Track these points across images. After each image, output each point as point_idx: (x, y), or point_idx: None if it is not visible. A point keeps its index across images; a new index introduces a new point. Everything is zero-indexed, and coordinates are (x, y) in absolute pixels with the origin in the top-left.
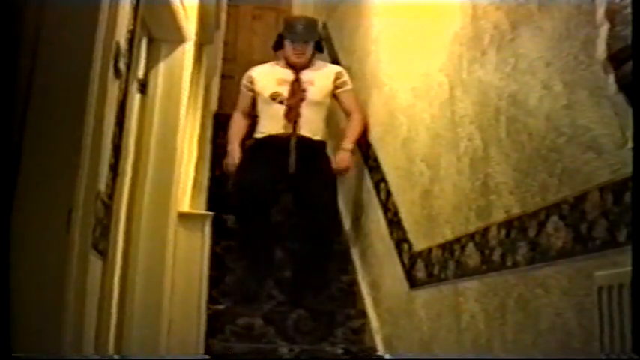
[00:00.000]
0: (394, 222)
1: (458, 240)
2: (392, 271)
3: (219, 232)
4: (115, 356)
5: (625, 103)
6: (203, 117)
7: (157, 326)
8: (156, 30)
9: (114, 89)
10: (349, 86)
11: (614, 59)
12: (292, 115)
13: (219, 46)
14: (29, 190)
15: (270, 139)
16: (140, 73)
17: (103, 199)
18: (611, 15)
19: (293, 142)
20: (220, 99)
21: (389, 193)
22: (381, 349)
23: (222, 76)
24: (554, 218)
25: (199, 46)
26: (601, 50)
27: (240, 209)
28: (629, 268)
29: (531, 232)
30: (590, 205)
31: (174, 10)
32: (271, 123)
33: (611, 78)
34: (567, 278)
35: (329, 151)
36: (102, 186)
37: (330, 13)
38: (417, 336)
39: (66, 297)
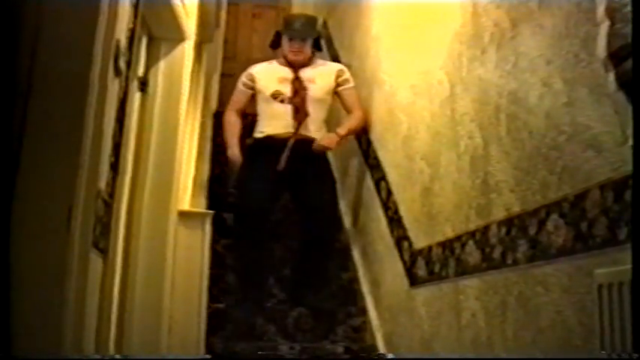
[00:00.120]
0: (394, 220)
1: (458, 238)
2: (392, 269)
3: (219, 231)
4: (117, 356)
5: (625, 100)
6: (203, 115)
7: (157, 324)
8: (156, 28)
9: (114, 87)
10: (351, 84)
11: (615, 57)
12: (301, 114)
13: (219, 45)
14: (29, 189)
15: (270, 140)
16: (140, 72)
17: (103, 197)
18: (611, 12)
19: (291, 142)
20: (220, 97)
21: (389, 191)
22: (381, 348)
23: (222, 75)
24: (555, 216)
25: (199, 45)
26: (601, 48)
27: (241, 223)
28: (629, 266)
29: (532, 230)
30: (590, 203)
31: (175, 9)
32: (273, 122)
33: (612, 76)
34: (568, 276)
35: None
36: (102, 184)
37: (330, 11)
38: (417, 334)
39: (66, 295)
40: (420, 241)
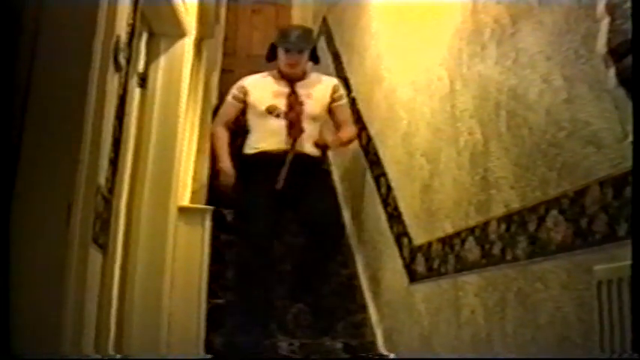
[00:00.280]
0: (394, 216)
1: (458, 234)
2: (392, 266)
3: (219, 226)
4: (118, 356)
5: (625, 97)
6: (203, 111)
7: (157, 320)
8: (156, 24)
9: (114, 83)
10: (344, 100)
11: (615, 53)
12: (296, 130)
13: (219, 41)
14: (29, 185)
15: (265, 156)
16: (140, 68)
17: (103, 193)
18: (611, 9)
19: (289, 158)
20: (220, 93)
21: (389, 188)
22: (381, 344)
23: (222, 71)
24: (554, 212)
25: (199, 41)
26: (601, 44)
27: (244, 250)
28: (628, 263)
29: (531, 227)
30: (590, 200)
31: (174, 5)
32: (268, 138)
33: (612, 72)
34: (567, 272)
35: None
36: (102, 180)
37: (331, 7)
38: (416, 330)
39: (66, 291)
40: (419, 238)
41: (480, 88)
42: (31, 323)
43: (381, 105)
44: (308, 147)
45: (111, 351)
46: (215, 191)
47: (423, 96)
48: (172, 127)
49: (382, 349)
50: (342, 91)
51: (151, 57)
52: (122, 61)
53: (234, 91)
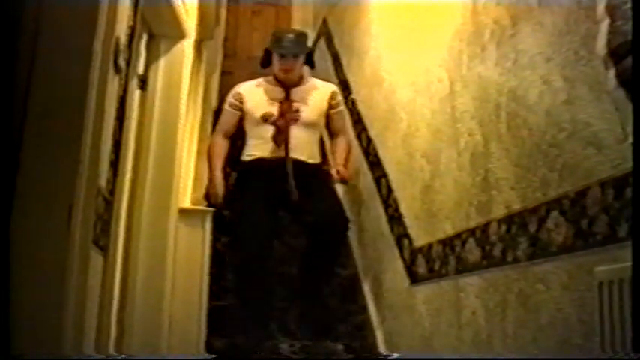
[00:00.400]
0: (395, 217)
1: (458, 235)
2: (392, 267)
3: (219, 228)
4: (122, 356)
5: (625, 98)
6: (203, 113)
7: (157, 322)
8: (156, 26)
9: (114, 85)
10: (342, 107)
11: (615, 54)
12: (281, 137)
13: (219, 42)
14: (30, 186)
15: (261, 163)
16: (140, 69)
17: (103, 194)
18: (611, 10)
19: (290, 166)
20: (220, 95)
21: (390, 189)
22: (381, 345)
23: (222, 72)
24: (555, 213)
25: (199, 43)
26: (601, 45)
27: (241, 260)
28: (629, 264)
29: (532, 228)
30: (590, 201)
31: (174, 7)
32: (263, 145)
33: (612, 73)
34: (568, 273)
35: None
36: (102, 182)
37: (331, 8)
38: (417, 332)
39: (67, 292)
40: (420, 239)
41: (480, 89)
42: (32, 324)
43: (381, 106)
44: (299, 153)
45: (111, 352)
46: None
47: (423, 97)
48: (172, 129)
49: (383, 350)
50: (340, 97)
51: (151, 59)
52: (122, 62)
53: (230, 99)
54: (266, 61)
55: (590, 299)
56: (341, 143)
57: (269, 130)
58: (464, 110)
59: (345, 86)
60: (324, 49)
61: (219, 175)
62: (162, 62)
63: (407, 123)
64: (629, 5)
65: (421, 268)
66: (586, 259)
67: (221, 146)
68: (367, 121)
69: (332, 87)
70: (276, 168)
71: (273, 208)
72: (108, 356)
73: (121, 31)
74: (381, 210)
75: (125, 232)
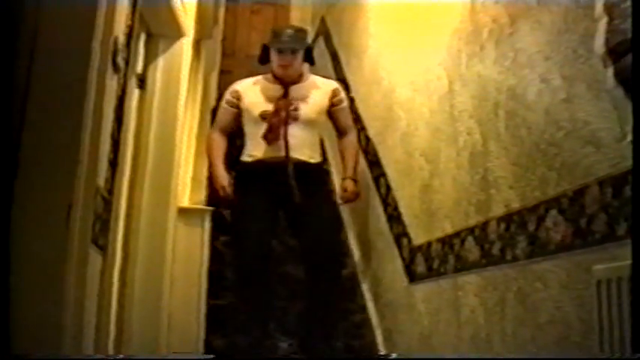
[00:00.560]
0: (394, 216)
1: (457, 234)
2: (391, 266)
3: (218, 227)
4: (120, 356)
5: (624, 96)
6: (201, 112)
7: (156, 321)
8: (154, 25)
9: (112, 84)
10: (345, 103)
11: (613, 53)
12: (272, 136)
13: (218, 42)
14: (28, 186)
15: (261, 165)
16: (139, 69)
17: (102, 194)
18: (609, 8)
19: (291, 167)
20: (219, 94)
21: (388, 188)
22: (381, 344)
23: (221, 72)
24: (554, 212)
25: (198, 42)
26: (600, 44)
27: (240, 264)
28: (628, 262)
29: (531, 226)
30: (589, 199)
31: (173, 6)
32: (260, 145)
33: (610, 71)
34: (566, 272)
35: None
36: (101, 181)
37: (329, 8)
38: (416, 330)
39: (66, 292)
40: (419, 238)
41: (478, 88)
42: (32, 324)
43: (379, 105)
44: (299, 153)
45: (111, 351)
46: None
47: (422, 96)
48: (171, 128)
49: (382, 349)
50: (342, 94)
51: (150, 58)
52: (121, 62)
53: (227, 96)
54: (264, 58)
55: (589, 298)
56: (348, 143)
57: (266, 129)
58: (463, 109)
59: (344, 85)
60: (322, 48)
61: (221, 168)
62: (160, 61)
63: (406, 122)
64: (627, 4)
65: (420, 266)
66: (585, 258)
67: (218, 142)
68: (366, 120)
69: (333, 84)
70: (277, 169)
71: (274, 209)
72: (107, 356)
73: (120, 30)
74: (380, 209)
75: (124, 231)
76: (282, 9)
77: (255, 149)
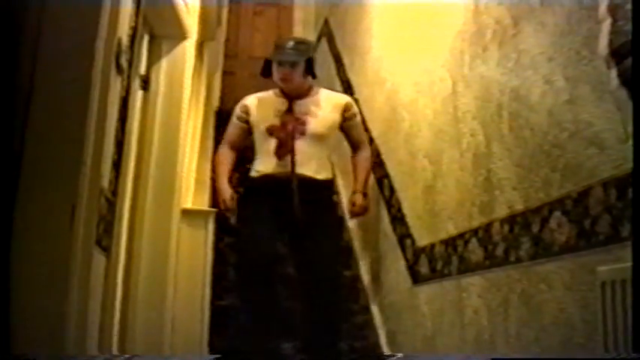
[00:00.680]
0: (397, 218)
1: (461, 235)
2: (395, 267)
3: (222, 229)
4: (125, 356)
5: (627, 98)
6: (205, 113)
7: (160, 322)
8: (157, 27)
9: (116, 86)
10: (358, 118)
11: (617, 54)
12: (282, 151)
13: (221, 43)
14: (32, 187)
15: (267, 180)
16: (142, 70)
17: (106, 195)
18: (613, 10)
19: (295, 183)
20: (222, 95)
21: (392, 189)
22: (384, 345)
23: (224, 73)
24: (558, 213)
25: (201, 43)
26: (603, 45)
27: (244, 277)
28: (632, 263)
29: (534, 228)
30: (593, 201)
31: (176, 7)
32: (268, 160)
33: (614, 73)
34: (570, 273)
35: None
36: (105, 182)
37: (332, 9)
38: (420, 332)
39: (69, 293)
40: (422, 239)
41: (482, 89)
42: (35, 324)
43: (383, 107)
44: (306, 169)
45: (114, 352)
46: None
47: (426, 97)
48: (175, 129)
49: (386, 350)
50: (354, 109)
51: (153, 59)
52: (124, 63)
53: (237, 111)
54: (266, 71)
55: (593, 299)
56: (361, 159)
57: (274, 144)
58: (466, 110)
59: (347, 86)
60: (325, 49)
61: (224, 182)
62: (164, 63)
63: (409, 123)
64: (630, 5)
65: (424, 268)
66: (589, 259)
67: (225, 156)
68: (369, 122)
69: (345, 98)
70: (281, 185)
71: (278, 224)
72: (111, 356)
73: (123, 31)
74: (383, 210)
75: (128, 232)
76: (285, 10)
77: (261, 164)
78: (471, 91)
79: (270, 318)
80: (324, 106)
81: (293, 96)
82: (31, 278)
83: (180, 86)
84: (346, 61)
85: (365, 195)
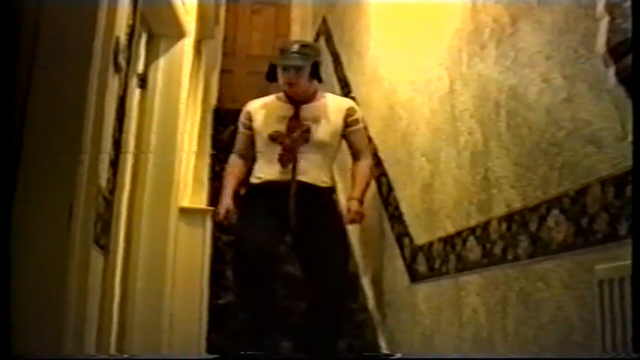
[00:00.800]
0: (395, 216)
1: (459, 234)
2: (393, 266)
3: (220, 227)
4: (123, 355)
5: (625, 96)
6: (203, 112)
7: (158, 321)
8: (155, 25)
9: (114, 84)
10: (360, 125)
11: (614, 52)
12: (287, 158)
13: (219, 41)
14: (30, 186)
15: (268, 186)
16: (140, 69)
17: (103, 194)
18: (610, 8)
19: (293, 190)
20: (220, 94)
21: (390, 188)
22: (383, 344)
23: (222, 71)
24: (555, 212)
25: (199, 41)
26: (601, 43)
27: (242, 276)
28: (630, 262)
29: (532, 226)
30: (591, 199)
31: (174, 6)
32: (268, 166)
33: (611, 71)
34: (568, 272)
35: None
36: (102, 181)
37: (330, 7)
38: (418, 330)
39: (67, 291)
40: (420, 238)
41: (479, 87)
42: (33, 324)
43: (380, 105)
44: (308, 176)
45: (112, 351)
46: (216, 191)
47: (423, 96)
48: (172, 128)
49: (384, 348)
50: (357, 114)
51: (151, 58)
52: (122, 62)
53: (241, 118)
54: (271, 75)
55: (591, 298)
56: (361, 168)
57: (277, 150)
58: (463, 109)
59: (344, 85)
60: (323, 47)
61: (227, 193)
62: (161, 61)
63: (406, 122)
64: (628, 3)
65: (422, 266)
66: (587, 258)
67: (235, 165)
68: (367, 120)
69: (348, 103)
70: (281, 191)
71: (275, 224)
72: (109, 356)
73: (121, 30)
74: (381, 209)
75: (125, 231)
76: (283, 9)
77: (261, 171)
78: (469, 89)
79: (269, 317)
80: (328, 112)
81: (298, 101)
82: (28, 277)
83: (178, 85)
84: (344, 59)
85: (361, 202)
